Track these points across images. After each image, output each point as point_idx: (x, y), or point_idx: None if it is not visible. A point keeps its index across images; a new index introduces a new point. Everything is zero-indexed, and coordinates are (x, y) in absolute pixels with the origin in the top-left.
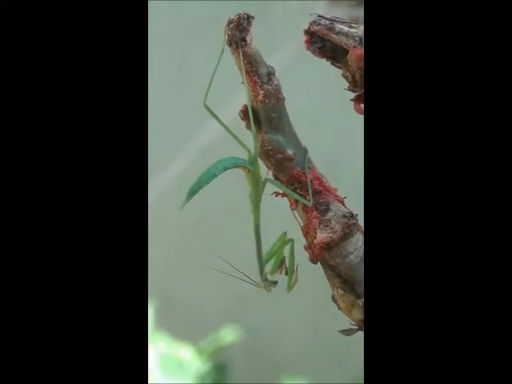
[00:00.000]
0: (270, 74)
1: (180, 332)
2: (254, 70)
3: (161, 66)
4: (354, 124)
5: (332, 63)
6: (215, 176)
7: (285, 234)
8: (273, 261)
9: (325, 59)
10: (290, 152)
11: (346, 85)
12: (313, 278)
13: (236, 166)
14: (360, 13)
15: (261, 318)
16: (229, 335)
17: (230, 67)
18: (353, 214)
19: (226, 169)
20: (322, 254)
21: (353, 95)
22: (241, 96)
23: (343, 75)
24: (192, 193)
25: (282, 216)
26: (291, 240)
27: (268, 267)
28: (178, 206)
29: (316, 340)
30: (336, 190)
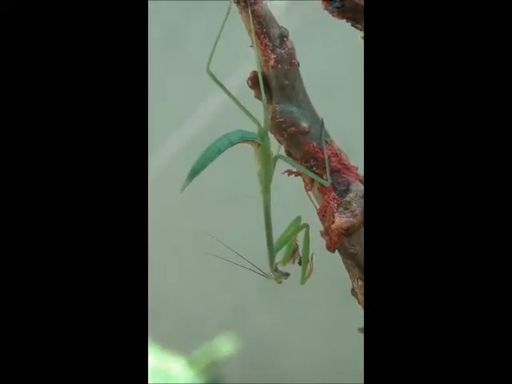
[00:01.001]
0: (283, 36)
1: (170, 341)
2: (265, 32)
3: (155, 40)
4: None
5: (353, 25)
6: (220, 152)
7: (298, 218)
8: (285, 249)
9: (344, 20)
10: (304, 124)
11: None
12: (328, 271)
13: (244, 140)
14: None
15: (261, 326)
16: (225, 345)
17: (238, 28)
18: None
19: (232, 144)
20: (341, 240)
21: None
22: (249, 61)
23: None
24: (194, 173)
25: (295, 198)
26: (306, 225)
27: (279, 256)
28: (173, 189)
29: (325, 352)
30: (357, 168)
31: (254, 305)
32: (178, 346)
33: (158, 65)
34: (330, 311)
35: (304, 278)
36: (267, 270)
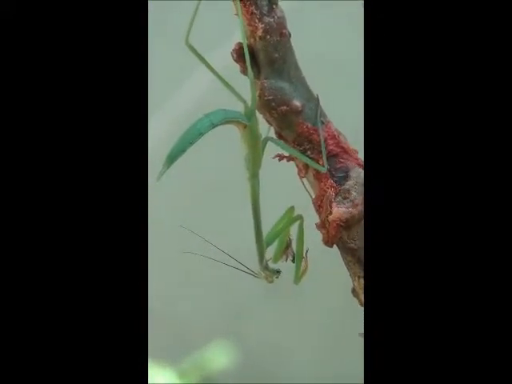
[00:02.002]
0: (272, 4)
1: (156, 351)
2: None
3: None
4: None
5: None
6: (201, 135)
7: (291, 208)
8: (276, 244)
9: None
10: (297, 103)
11: None
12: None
13: (228, 121)
14: None
15: (259, 333)
16: (218, 355)
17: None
18: None
19: (214, 125)
20: (340, 234)
21: None
22: (234, 32)
23: None
24: (171, 158)
25: (287, 185)
26: (300, 217)
27: (270, 252)
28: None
29: (331, 361)
30: (357, 152)
31: (253, 310)
32: (166, 356)
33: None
34: (336, 316)
35: (298, 277)
36: (256, 267)
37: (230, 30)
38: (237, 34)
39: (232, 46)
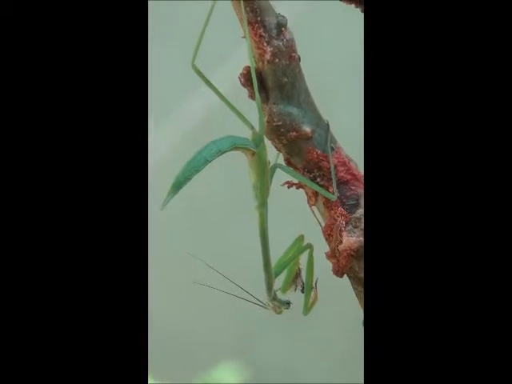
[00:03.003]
0: (281, 26)
1: (163, 371)
2: (260, 21)
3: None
4: None
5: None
6: (208, 162)
7: (301, 237)
8: (285, 274)
9: (352, 5)
10: (306, 129)
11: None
12: (338, 296)
13: (235, 147)
14: None
15: (271, 352)
16: (228, 375)
17: (228, 18)
18: None
19: (221, 152)
20: (350, 263)
21: None
22: (242, 55)
23: None
24: (177, 185)
25: (296, 214)
26: (309, 246)
27: (279, 282)
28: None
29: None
30: None
31: (264, 329)
32: (174, 376)
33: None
34: (348, 337)
35: (307, 308)
36: (265, 298)
37: (234, 45)
38: (242, 51)
39: (239, 68)
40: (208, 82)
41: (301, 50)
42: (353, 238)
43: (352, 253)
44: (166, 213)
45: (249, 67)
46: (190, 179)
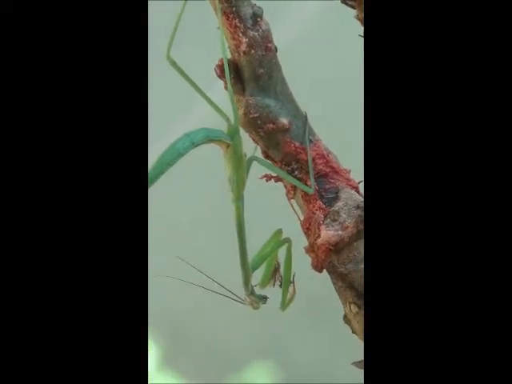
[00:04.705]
0: (257, 16)
1: (193, 372)
2: (235, 11)
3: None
4: None
5: (343, 1)
6: (181, 155)
7: (279, 231)
8: (263, 269)
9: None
10: (284, 120)
11: (361, 31)
12: None
13: (210, 140)
14: None
15: (304, 352)
16: (260, 376)
17: (202, 8)
18: None
19: (195, 145)
20: (329, 258)
21: None
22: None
23: (357, 17)
24: (150, 180)
25: (274, 208)
26: (288, 240)
27: (257, 277)
28: None
29: None
30: (348, 171)
31: (296, 328)
32: (203, 377)
33: None
34: None
35: (285, 304)
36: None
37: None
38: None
39: (214, 60)
40: (183, 74)
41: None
42: (331, 232)
43: (330, 247)
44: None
45: (223, 59)
46: (163, 173)
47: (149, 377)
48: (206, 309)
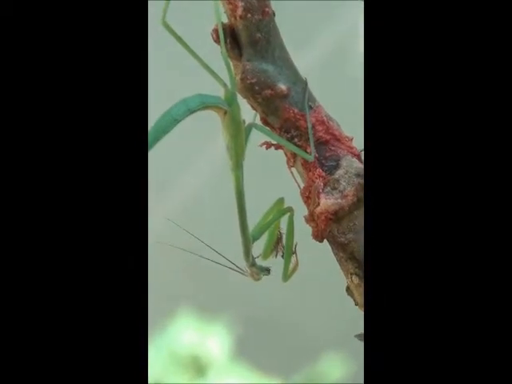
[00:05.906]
0: None
1: (264, 362)
2: None
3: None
4: None
5: None
6: (176, 122)
7: (281, 200)
8: (265, 239)
9: None
10: (282, 86)
11: None
12: None
13: (206, 106)
14: None
15: None
16: (335, 367)
17: None
18: None
19: (191, 111)
20: (329, 227)
21: None
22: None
23: None
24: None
25: (275, 176)
26: (290, 209)
27: (259, 248)
28: None
29: None
30: (350, 139)
31: None
32: (275, 368)
33: None
34: None
35: (287, 275)
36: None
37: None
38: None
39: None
40: (178, 38)
41: None
42: (330, 201)
43: (330, 216)
44: None
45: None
46: (159, 140)
47: (222, 367)
48: (278, 303)
